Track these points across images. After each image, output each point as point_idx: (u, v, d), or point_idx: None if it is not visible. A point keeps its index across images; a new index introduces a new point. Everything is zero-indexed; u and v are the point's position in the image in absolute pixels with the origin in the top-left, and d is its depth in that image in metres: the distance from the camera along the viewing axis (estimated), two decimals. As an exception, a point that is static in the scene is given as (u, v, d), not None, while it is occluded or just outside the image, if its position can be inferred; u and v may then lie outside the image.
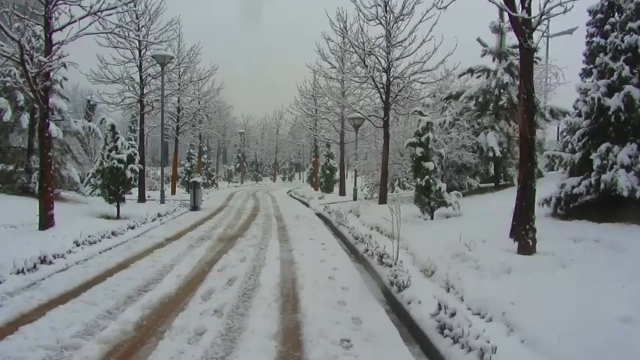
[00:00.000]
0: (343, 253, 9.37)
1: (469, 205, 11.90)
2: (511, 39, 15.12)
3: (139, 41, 19.19)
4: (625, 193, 7.42)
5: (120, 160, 13.36)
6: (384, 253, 7.50)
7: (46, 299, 5.81)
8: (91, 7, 10.00)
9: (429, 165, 11.24)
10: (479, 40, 15.52)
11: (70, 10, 9.91)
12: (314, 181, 37.10)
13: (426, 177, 11.17)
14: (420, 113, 12.04)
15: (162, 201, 19.46)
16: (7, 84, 13.36)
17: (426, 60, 15.62)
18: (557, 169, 11.18)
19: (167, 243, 10.31)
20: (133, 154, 13.96)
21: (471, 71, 16.28)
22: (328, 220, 14.87)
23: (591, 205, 8.41)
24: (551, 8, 6.31)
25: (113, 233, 10.31)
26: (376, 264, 7.49)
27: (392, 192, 21.08)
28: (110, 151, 13.44)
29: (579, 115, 9.60)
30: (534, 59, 8.33)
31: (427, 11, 14.20)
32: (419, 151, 11.39)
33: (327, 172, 33.10)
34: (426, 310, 4.88)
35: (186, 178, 31.66)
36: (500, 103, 15.47)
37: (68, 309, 5.40)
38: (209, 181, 40.33)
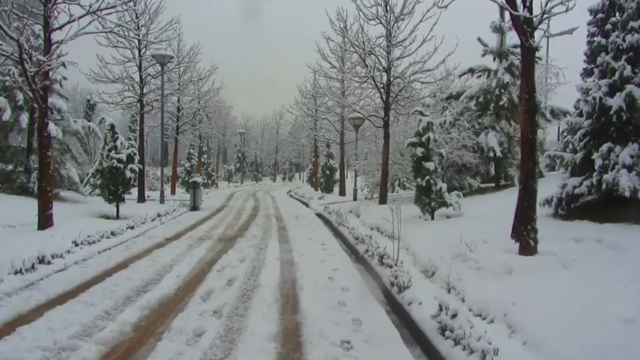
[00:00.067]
0: (343, 254, 9.33)
1: (470, 206, 11.86)
2: (511, 39, 15.10)
3: (139, 40, 19.17)
4: (627, 194, 7.39)
5: (119, 160, 13.32)
6: (384, 254, 7.46)
7: (44, 300, 5.78)
8: (90, 6, 9.96)
9: (430, 165, 11.20)
10: (479, 39, 15.48)
11: (69, 9, 9.89)
12: (314, 181, 37.07)
13: (427, 177, 11.13)
14: (421, 113, 12.01)
15: (161, 201, 19.43)
16: (7, 83, 13.31)
17: (426, 60, 15.60)
18: (558, 170, 11.14)
19: (166, 243, 10.27)
20: (132, 153, 13.93)
21: (471, 71, 16.24)
22: (328, 221, 14.83)
23: (593, 206, 8.38)
24: (553, 7, 6.27)
25: (112, 233, 10.28)
26: (376, 264, 7.45)
27: (392, 192, 21.04)
28: (110, 150, 13.40)
29: (580, 114, 9.55)
30: (535, 59, 8.28)
31: (427, 11, 14.22)
32: (419, 151, 11.35)
33: (327, 172, 33.07)
34: (427, 311, 4.84)
35: (186, 178, 31.62)
36: (501, 103, 15.43)
37: (66, 309, 5.36)
38: (209, 181, 40.29)
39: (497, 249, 6.92)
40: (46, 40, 10.09)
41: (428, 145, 11.36)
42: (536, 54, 7.97)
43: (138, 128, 23.02)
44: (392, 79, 16.39)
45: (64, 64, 10.77)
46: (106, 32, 13.26)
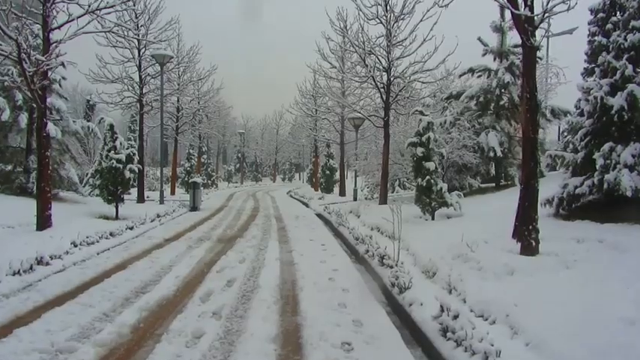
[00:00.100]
0: (343, 254, 9.29)
1: (470, 206, 11.82)
2: (512, 38, 15.08)
3: (138, 40, 19.14)
4: (628, 193, 7.36)
5: (119, 160, 13.28)
6: (384, 254, 7.42)
7: (42, 301, 5.74)
8: (89, 6, 9.93)
9: (430, 165, 11.16)
10: (479, 39, 15.45)
11: (68, 9, 9.85)
12: (314, 181, 37.03)
13: (427, 177, 11.09)
14: (421, 113, 11.97)
15: (161, 201, 19.38)
16: (5, 83, 13.29)
17: (426, 59, 15.55)
18: (559, 169, 11.10)
19: (166, 244, 10.23)
20: (132, 154, 13.89)
21: (471, 71, 16.21)
22: (328, 221, 14.79)
23: (594, 205, 8.34)
24: (554, 6, 6.24)
25: (111, 234, 10.23)
26: (377, 265, 7.41)
27: (392, 192, 21.01)
28: (109, 151, 13.37)
29: (581, 114, 9.52)
30: (536, 58, 8.26)
31: (428, 10, 14.18)
32: (420, 151, 11.32)
33: (327, 172, 33.03)
34: (428, 312, 4.80)
35: (186, 179, 31.59)
36: (501, 102, 15.39)
37: (64, 311, 5.32)
38: (209, 182, 40.24)
39: (499, 249, 6.89)
40: (45, 39, 10.05)
41: (428, 145, 11.32)
42: (537, 53, 7.94)
43: (137, 128, 22.98)
44: (392, 78, 16.35)
45: (63, 64, 10.72)
46: (105, 32, 13.21)
